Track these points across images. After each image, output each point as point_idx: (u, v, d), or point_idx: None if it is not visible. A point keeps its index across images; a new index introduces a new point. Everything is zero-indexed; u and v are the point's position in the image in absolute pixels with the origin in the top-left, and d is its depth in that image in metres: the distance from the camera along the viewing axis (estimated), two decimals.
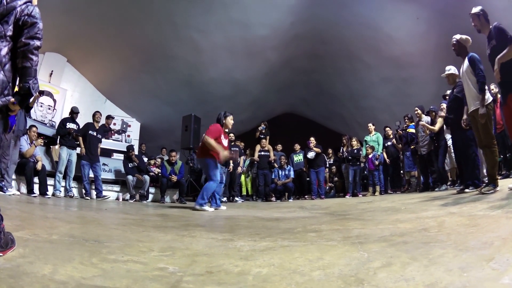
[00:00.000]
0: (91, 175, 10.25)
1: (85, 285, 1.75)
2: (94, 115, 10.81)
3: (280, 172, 12.58)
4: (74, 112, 10.27)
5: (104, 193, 10.27)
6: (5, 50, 2.27)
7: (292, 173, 12.57)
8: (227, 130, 7.98)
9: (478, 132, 5.96)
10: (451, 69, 7.09)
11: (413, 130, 10.86)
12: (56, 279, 1.81)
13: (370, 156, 11.94)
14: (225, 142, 7.66)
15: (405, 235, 2.91)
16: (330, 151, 14.52)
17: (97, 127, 10.65)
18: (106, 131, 11.56)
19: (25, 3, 2.42)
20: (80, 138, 10.14)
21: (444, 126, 9.09)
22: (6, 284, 1.67)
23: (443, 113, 8.21)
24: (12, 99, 2.30)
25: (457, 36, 6.24)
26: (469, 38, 6.19)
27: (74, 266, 2.08)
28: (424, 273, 1.83)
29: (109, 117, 11.78)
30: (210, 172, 7.30)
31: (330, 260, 2.27)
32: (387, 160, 11.86)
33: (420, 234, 2.94)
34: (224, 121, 7.68)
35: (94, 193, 10.21)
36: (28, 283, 1.73)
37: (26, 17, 2.36)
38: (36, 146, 8.83)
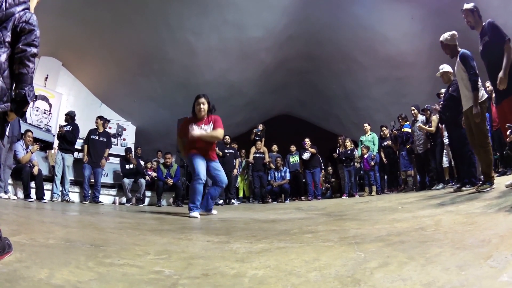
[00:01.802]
0: (92, 179, 10.32)
1: None
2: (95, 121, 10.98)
3: (276, 174, 12.57)
4: (68, 116, 10.39)
5: (100, 197, 10.28)
6: (4, 57, 2.27)
7: (288, 174, 12.56)
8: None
9: (471, 131, 5.91)
10: (444, 68, 7.06)
11: (408, 130, 10.88)
12: (53, 283, 1.81)
13: (365, 156, 11.97)
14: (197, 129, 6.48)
15: (402, 235, 2.91)
16: None
17: (101, 131, 10.70)
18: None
19: (23, 9, 2.42)
20: (85, 146, 10.39)
21: (439, 125, 9.15)
22: None
23: (437, 106, 8.17)
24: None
25: (442, 38, 6.15)
26: (454, 33, 6.09)
27: (70, 270, 2.07)
28: (421, 272, 1.83)
29: (104, 121, 11.78)
30: (191, 169, 6.45)
31: (327, 261, 2.26)
32: (384, 160, 11.88)
33: (417, 233, 2.93)
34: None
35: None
36: (25, 287, 1.73)
37: (24, 24, 2.37)
38: (32, 153, 8.83)
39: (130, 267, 2.22)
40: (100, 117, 10.95)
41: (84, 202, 9.77)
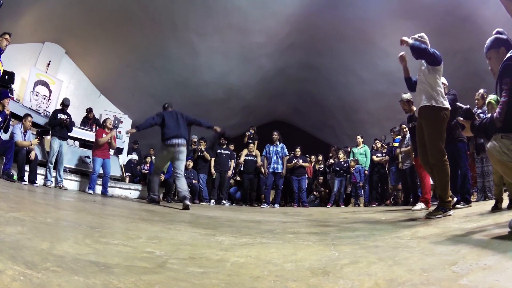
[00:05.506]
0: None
1: (80, 259, 1.91)
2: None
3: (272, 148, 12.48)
4: (64, 104, 10.16)
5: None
6: None
7: (285, 150, 12.49)
8: None
9: (421, 146, 5.24)
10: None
11: (397, 144, 10.91)
12: (54, 253, 1.96)
13: (353, 169, 12.07)
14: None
15: (377, 241, 3.09)
16: (313, 158, 14.58)
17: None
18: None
19: None
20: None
21: None
22: (8, 254, 1.80)
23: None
24: None
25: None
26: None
27: (69, 245, 2.25)
28: (387, 270, 1.99)
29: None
30: None
31: (303, 256, 2.47)
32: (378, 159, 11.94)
33: (392, 240, 3.10)
34: None
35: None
36: (29, 254, 1.86)
37: None
38: (32, 144, 8.82)
39: (124, 247, 2.42)
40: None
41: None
